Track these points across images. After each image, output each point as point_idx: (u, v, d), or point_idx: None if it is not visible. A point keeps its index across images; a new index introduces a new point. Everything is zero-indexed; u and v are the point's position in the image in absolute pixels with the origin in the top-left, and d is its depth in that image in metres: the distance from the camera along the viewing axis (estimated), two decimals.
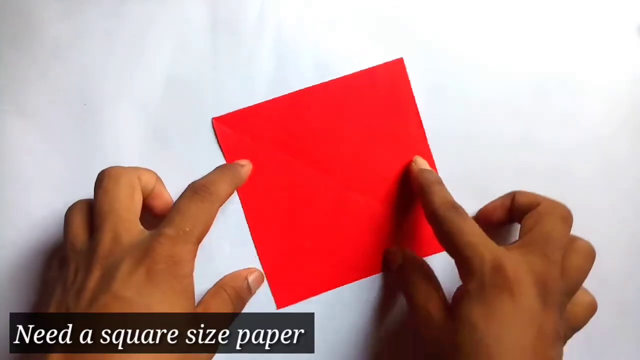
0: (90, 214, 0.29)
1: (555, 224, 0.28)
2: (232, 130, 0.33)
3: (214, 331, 0.27)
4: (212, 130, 0.34)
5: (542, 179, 0.35)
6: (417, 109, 0.34)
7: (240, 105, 0.34)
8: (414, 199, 0.34)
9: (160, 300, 0.25)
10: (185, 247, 0.26)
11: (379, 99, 0.34)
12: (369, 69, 0.34)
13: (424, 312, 0.28)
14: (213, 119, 0.33)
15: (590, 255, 0.28)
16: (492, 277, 0.25)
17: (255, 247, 0.33)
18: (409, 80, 0.34)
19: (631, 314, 0.35)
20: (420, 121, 0.34)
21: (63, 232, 0.29)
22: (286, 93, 0.34)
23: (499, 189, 0.34)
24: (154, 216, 0.31)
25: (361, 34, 0.35)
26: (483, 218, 0.33)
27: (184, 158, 0.34)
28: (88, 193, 0.33)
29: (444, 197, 0.29)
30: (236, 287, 0.31)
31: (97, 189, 0.28)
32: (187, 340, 0.26)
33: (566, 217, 0.28)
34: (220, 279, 0.32)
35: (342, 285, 0.33)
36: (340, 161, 0.34)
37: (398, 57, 0.35)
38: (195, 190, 0.28)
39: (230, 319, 0.30)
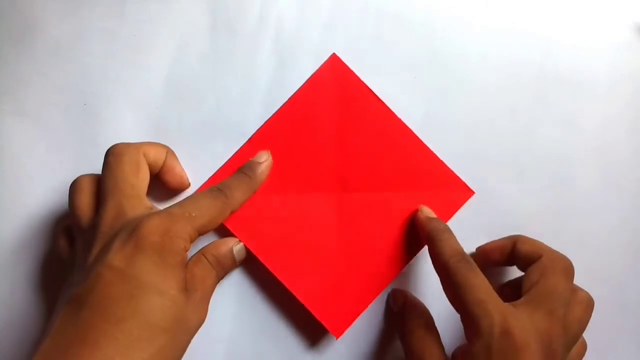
0: (95, 190, 0.29)
1: (559, 279, 0.28)
2: None
3: (200, 294, 0.28)
4: (212, 130, 0.34)
5: (542, 179, 0.35)
6: (375, 95, 0.33)
7: (240, 105, 0.34)
8: (412, 183, 0.33)
9: (150, 271, 0.25)
10: (186, 226, 0.26)
11: (336, 102, 0.33)
12: (310, 79, 0.33)
13: None
14: (196, 191, 0.33)
15: (590, 306, 0.29)
16: (499, 342, 0.25)
17: (288, 288, 0.32)
18: (352, 72, 0.34)
19: (631, 314, 0.35)
20: (385, 105, 0.33)
21: (68, 206, 0.29)
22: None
23: (499, 190, 0.34)
24: (169, 190, 0.32)
25: (361, 33, 0.35)
26: (481, 257, 0.33)
27: (183, 158, 0.34)
28: None
29: (454, 247, 0.29)
30: (217, 255, 0.30)
31: (103, 167, 0.29)
32: (176, 310, 0.26)
33: (569, 271, 0.28)
34: (203, 247, 0.31)
35: (385, 287, 0.33)
36: (330, 174, 0.33)
37: (397, 57, 0.35)
38: (212, 189, 0.29)
39: (213, 285, 0.30)
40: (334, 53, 0.34)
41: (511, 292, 0.31)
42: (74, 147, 0.34)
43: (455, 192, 0.33)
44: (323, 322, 0.32)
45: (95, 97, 0.34)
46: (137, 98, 0.34)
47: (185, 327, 0.27)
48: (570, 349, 0.28)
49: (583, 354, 0.30)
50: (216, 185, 0.30)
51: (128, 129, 0.34)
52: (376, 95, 0.33)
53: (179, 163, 0.32)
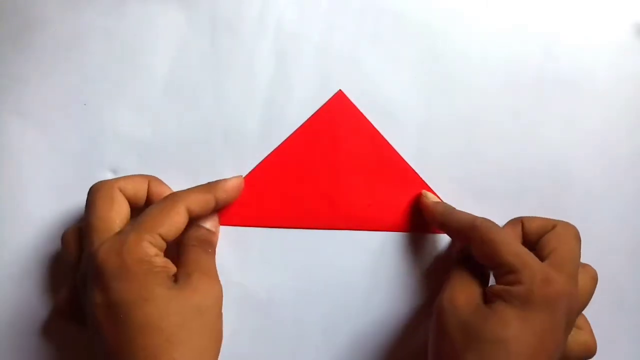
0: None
1: (575, 246, 0.29)
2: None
3: (197, 274, 0.28)
4: (211, 130, 0.34)
5: (542, 179, 0.35)
6: (379, 134, 0.34)
7: (240, 106, 0.34)
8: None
9: (127, 290, 0.26)
10: (137, 235, 0.27)
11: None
12: (315, 114, 0.34)
13: (462, 285, 0.29)
14: None
15: (596, 280, 0.30)
16: (541, 288, 0.26)
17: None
18: (357, 109, 0.34)
19: (631, 314, 0.35)
20: (387, 142, 0.34)
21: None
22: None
23: (498, 190, 0.34)
24: None
25: (361, 33, 0.35)
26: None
27: (183, 158, 0.34)
28: (86, 193, 0.33)
29: (471, 214, 0.30)
30: (196, 235, 0.31)
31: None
32: (173, 304, 0.26)
33: (579, 237, 0.30)
34: (183, 238, 0.31)
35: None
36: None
37: (397, 57, 0.35)
38: (162, 198, 0.30)
39: (207, 261, 0.30)
40: (340, 90, 0.34)
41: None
42: (74, 147, 0.34)
43: None
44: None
45: (96, 97, 0.34)
46: (137, 98, 0.34)
47: (199, 310, 0.27)
48: (577, 316, 0.29)
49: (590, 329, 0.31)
50: None
51: (128, 129, 0.34)
52: (380, 134, 0.34)
53: (167, 187, 0.32)
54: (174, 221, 0.28)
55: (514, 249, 0.27)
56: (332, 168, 0.33)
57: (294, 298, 0.33)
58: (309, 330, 0.33)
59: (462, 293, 0.28)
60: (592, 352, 0.30)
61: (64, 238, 0.30)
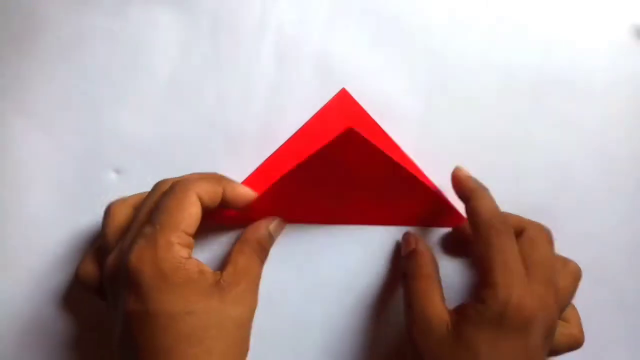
0: (133, 212, 0.29)
1: (548, 249, 0.29)
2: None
3: (245, 285, 0.28)
4: (213, 131, 0.34)
5: (541, 180, 0.35)
6: (383, 131, 0.34)
7: (241, 107, 0.34)
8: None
9: (167, 301, 0.25)
10: (166, 238, 0.26)
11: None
12: (318, 112, 0.34)
13: (421, 321, 0.28)
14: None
15: (579, 276, 0.30)
16: (512, 312, 0.26)
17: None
18: (361, 107, 0.34)
19: (631, 314, 0.35)
20: (392, 141, 0.34)
21: (102, 224, 0.29)
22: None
23: (498, 190, 0.34)
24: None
25: (362, 34, 0.35)
26: (458, 234, 0.33)
27: (186, 158, 0.34)
28: (90, 193, 0.33)
29: (496, 208, 0.29)
30: (259, 239, 0.30)
31: (145, 197, 0.29)
32: (213, 317, 0.26)
33: (551, 239, 0.30)
34: (242, 234, 0.31)
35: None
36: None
37: (397, 59, 0.35)
38: (169, 187, 0.28)
39: (259, 273, 0.30)
40: (343, 88, 0.34)
41: None
42: (77, 148, 0.34)
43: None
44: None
45: (98, 98, 0.34)
46: (139, 99, 0.34)
47: (235, 322, 0.27)
48: (560, 315, 0.29)
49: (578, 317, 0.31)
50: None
51: (131, 131, 0.34)
52: (384, 131, 0.34)
53: (236, 185, 0.30)
54: (192, 213, 0.27)
55: (506, 262, 0.27)
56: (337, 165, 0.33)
57: (294, 295, 0.33)
58: (309, 329, 0.33)
59: (436, 315, 0.28)
60: (579, 343, 0.30)
61: (109, 210, 0.29)
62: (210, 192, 0.28)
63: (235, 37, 0.35)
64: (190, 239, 0.27)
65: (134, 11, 0.35)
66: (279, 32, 0.35)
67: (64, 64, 0.34)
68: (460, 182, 0.31)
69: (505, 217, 0.30)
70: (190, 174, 0.29)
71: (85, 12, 0.34)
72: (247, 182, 0.33)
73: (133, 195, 0.30)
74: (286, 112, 0.34)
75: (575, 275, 0.30)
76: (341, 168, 0.31)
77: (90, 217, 0.33)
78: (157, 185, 0.29)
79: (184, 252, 0.26)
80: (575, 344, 0.30)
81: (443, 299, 0.29)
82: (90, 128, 0.34)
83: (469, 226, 0.29)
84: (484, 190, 0.30)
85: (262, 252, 0.31)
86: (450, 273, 0.34)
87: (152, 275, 0.25)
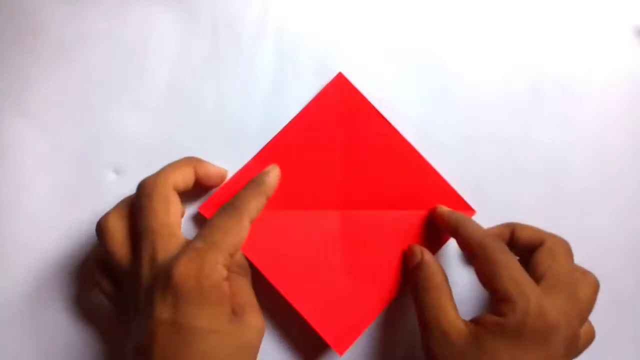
0: (125, 231, 0.29)
1: (568, 262, 0.29)
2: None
3: (247, 309, 0.28)
4: (213, 132, 0.34)
5: (540, 180, 0.35)
6: (380, 115, 0.34)
7: (241, 107, 0.34)
8: (414, 201, 0.34)
9: (197, 315, 0.25)
10: (215, 257, 0.26)
11: (341, 121, 0.33)
12: (315, 97, 0.34)
13: (438, 332, 0.28)
14: (198, 208, 0.33)
15: (598, 288, 0.30)
16: (534, 321, 0.26)
17: (291, 303, 0.32)
18: (358, 91, 0.34)
19: (630, 314, 0.35)
20: (389, 124, 0.34)
21: (102, 244, 0.29)
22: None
23: (497, 190, 0.35)
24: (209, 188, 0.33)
25: (362, 34, 0.35)
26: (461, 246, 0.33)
27: None
28: (90, 193, 0.33)
29: (484, 229, 0.30)
30: (237, 262, 0.31)
31: (135, 207, 0.29)
32: (234, 340, 0.26)
33: (571, 252, 0.30)
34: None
35: (387, 304, 0.32)
36: (334, 192, 0.33)
37: (397, 60, 0.35)
38: (225, 207, 0.29)
39: (251, 290, 0.30)
40: (340, 72, 0.34)
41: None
42: (77, 148, 0.34)
43: (458, 211, 0.33)
44: (326, 339, 0.32)
45: (98, 98, 0.34)
46: (139, 99, 0.34)
47: (249, 348, 0.27)
48: (581, 327, 0.29)
49: (592, 338, 0.30)
50: (228, 202, 0.30)
51: (130, 131, 0.34)
52: (381, 115, 0.34)
53: (209, 164, 0.32)
54: (241, 238, 0.28)
55: (514, 276, 0.27)
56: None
57: None
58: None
59: (452, 326, 0.28)
60: (593, 337, 0.30)
61: (105, 229, 0.29)
62: (260, 210, 0.30)
63: (235, 37, 0.35)
64: (230, 262, 0.28)
65: (133, 12, 0.35)
66: (279, 32, 0.35)
67: (64, 64, 0.34)
68: (443, 217, 0.32)
69: (497, 234, 0.31)
70: (165, 167, 0.30)
71: (85, 14, 0.34)
72: (246, 168, 0.33)
73: (115, 207, 0.30)
74: (286, 112, 0.34)
75: (595, 287, 0.30)
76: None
77: (89, 217, 0.33)
78: (141, 189, 0.29)
79: (224, 272, 0.27)
80: (592, 339, 0.30)
81: (455, 308, 0.29)
82: (90, 128, 0.34)
83: (465, 254, 0.30)
84: (469, 219, 0.31)
85: (244, 271, 0.31)
86: (457, 280, 0.34)
87: (192, 288, 0.25)
